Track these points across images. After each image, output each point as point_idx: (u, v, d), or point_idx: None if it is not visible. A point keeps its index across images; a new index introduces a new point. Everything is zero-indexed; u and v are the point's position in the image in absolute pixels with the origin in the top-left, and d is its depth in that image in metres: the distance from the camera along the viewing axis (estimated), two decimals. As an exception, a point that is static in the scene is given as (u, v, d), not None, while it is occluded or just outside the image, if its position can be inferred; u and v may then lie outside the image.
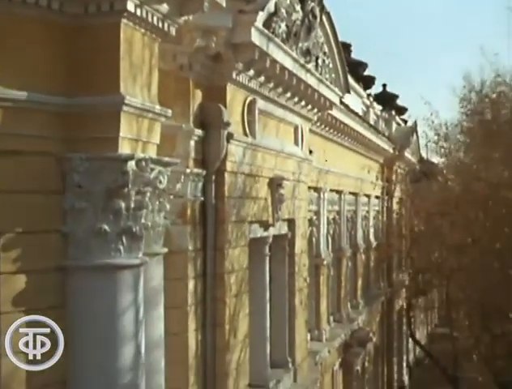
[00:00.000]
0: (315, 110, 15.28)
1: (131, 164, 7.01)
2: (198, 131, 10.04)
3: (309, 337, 17.13)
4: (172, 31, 7.93)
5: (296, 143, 14.75)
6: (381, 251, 29.18)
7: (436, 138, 26.34)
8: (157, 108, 7.59)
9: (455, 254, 23.08)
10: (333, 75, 15.48)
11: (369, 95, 30.41)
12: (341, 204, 22.65)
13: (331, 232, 21.57)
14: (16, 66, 6.52)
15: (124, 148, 7.00)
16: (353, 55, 30.81)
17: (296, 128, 14.70)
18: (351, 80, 20.00)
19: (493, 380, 24.28)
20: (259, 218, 12.21)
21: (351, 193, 24.00)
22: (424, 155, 35.82)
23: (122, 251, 7.09)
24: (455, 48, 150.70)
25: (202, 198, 10.22)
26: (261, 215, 12.28)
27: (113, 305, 7.08)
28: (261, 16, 10.48)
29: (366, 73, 33.50)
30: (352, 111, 21.29)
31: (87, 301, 6.97)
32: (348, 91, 17.27)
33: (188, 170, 9.62)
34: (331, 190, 20.75)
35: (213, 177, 10.35)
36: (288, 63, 11.96)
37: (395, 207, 32.71)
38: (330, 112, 17.17)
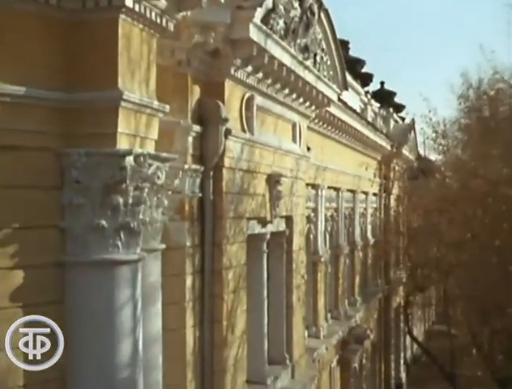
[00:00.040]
0: (313, 107, 15.28)
1: (129, 160, 7.00)
2: (196, 127, 10.03)
3: (306, 334, 17.15)
4: (171, 26, 7.92)
5: (294, 139, 14.75)
6: (378, 248, 29.20)
7: (434, 135, 26.32)
8: (155, 103, 7.59)
9: (454, 250, 23.07)
10: (331, 72, 15.47)
11: (366, 92, 30.42)
12: (339, 201, 22.65)
13: (329, 229, 21.55)
14: (14, 61, 6.51)
15: (122, 144, 7.00)
16: (351, 52, 30.88)
17: (294, 125, 14.69)
18: (349, 77, 20.01)
19: (491, 376, 24.33)
20: (257, 214, 12.21)
21: (348, 190, 24.01)
22: (421, 152, 35.87)
23: (120, 247, 7.10)
24: (454, 45, 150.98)
25: (200, 194, 10.21)
26: (259, 212, 12.28)
27: (110, 301, 7.09)
28: (259, 12, 10.47)
29: (364, 70, 33.59)
30: (350, 108, 21.27)
31: (85, 297, 6.98)
32: (346, 89, 17.25)
33: (186, 166, 9.61)
34: (329, 187, 20.75)
35: (211, 173, 10.34)
36: (286, 60, 11.95)
37: (393, 204, 32.73)
38: (328, 109, 17.17)
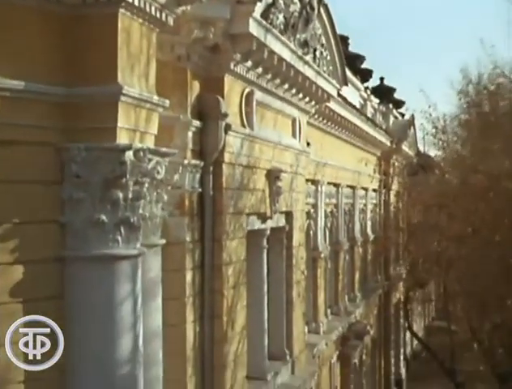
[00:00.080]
0: (313, 102, 15.27)
1: (129, 155, 6.98)
2: (196, 122, 10.02)
3: (306, 330, 17.15)
4: (170, 21, 7.90)
5: (293, 135, 14.74)
6: (378, 244, 29.20)
7: (434, 131, 26.31)
8: (155, 98, 7.56)
9: (455, 244, 23.07)
10: (330, 68, 15.46)
11: (366, 88, 30.39)
12: (339, 197, 22.65)
13: (329, 225, 21.55)
14: (14, 55, 6.48)
15: (122, 138, 6.97)
16: (351, 48, 30.82)
17: (293, 120, 14.68)
18: (348, 73, 19.98)
19: (491, 372, 24.35)
20: (257, 210, 12.21)
21: (348, 186, 24.00)
22: (421, 148, 35.86)
23: (120, 242, 7.07)
24: (454, 41, 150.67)
25: (200, 190, 10.21)
26: (258, 207, 12.27)
27: (110, 296, 7.06)
28: (259, 7, 10.45)
29: (364, 66, 33.51)
30: (350, 104, 21.26)
31: (85, 292, 6.95)
32: (346, 84, 17.25)
33: (186, 161, 9.60)
34: (329, 183, 20.75)
35: (211, 168, 10.34)
36: (286, 54, 11.94)
37: (393, 200, 32.73)
38: (327, 104, 17.17)
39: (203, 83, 10.33)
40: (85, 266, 6.96)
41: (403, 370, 36.10)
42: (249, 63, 11.01)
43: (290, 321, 14.40)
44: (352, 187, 24.85)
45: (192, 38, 9.49)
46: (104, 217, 6.90)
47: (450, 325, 29.34)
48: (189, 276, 9.98)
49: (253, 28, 10.31)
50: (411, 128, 34.93)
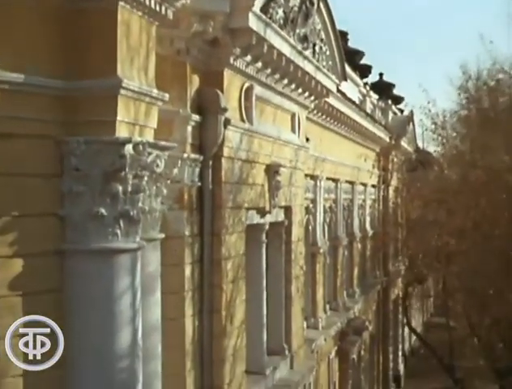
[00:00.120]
0: (312, 98, 15.26)
1: (128, 148, 6.97)
2: (196, 116, 10.01)
3: (305, 325, 17.16)
4: (170, 14, 7.89)
5: (293, 130, 14.75)
6: (377, 240, 29.21)
7: (433, 126, 26.32)
8: (154, 91, 7.55)
9: (455, 238, 23.07)
10: (330, 63, 15.45)
11: (365, 84, 30.36)
12: (337, 193, 22.65)
13: (328, 220, 21.56)
14: (13, 48, 6.45)
15: (121, 132, 6.96)
16: (350, 44, 30.80)
17: (293, 115, 14.68)
18: (347, 69, 19.98)
19: (490, 367, 24.37)
20: (256, 204, 12.21)
21: (347, 181, 24.01)
22: (420, 144, 35.89)
23: (119, 235, 7.06)
24: (454, 38, 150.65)
25: (199, 184, 10.20)
26: (257, 202, 12.27)
27: (110, 290, 7.06)
28: (258, 1, 10.44)
29: (363, 62, 33.49)
30: (349, 99, 21.25)
31: (84, 285, 6.95)
32: (345, 79, 17.25)
33: (185, 155, 9.59)
34: (328, 179, 20.74)
35: (210, 163, 10.33)
36: (286, 49, 11.93)
37: (392, 195, 32.74)
38: (326, 100, 17.17)
39: (203, 77, 10.32)
40: (84, 259, 6.95)
41: (401, 366, 36.14)
42: (249, 58, 11.00)
43: (289, 316, 14.42)
44: (351, 183, 24.85)
45: (191, 32, 9.48)
46: (103, 210, 6.89)
47: (448, 321, 29.37)
48: (188, 270, 9.98)
49: (253, 23, 10.29)
50: (410, 124, 34.94)
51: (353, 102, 22.49)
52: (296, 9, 12.45)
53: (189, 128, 9.90)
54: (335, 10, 14.65)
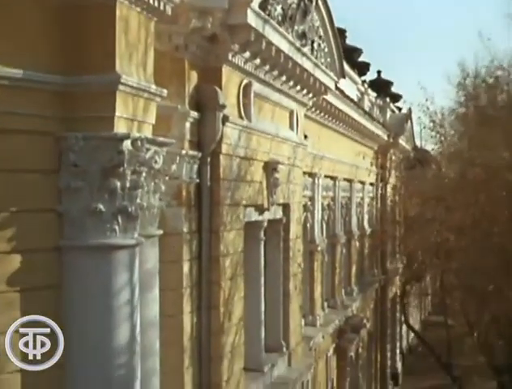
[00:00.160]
0: (310, 95, 15.24)
1: (127, 144, 6.95)
2: (194, 113, 9.99)
3: (303, 322, 17.15)
4: (168, 10, 7.88)
5: (291, 127, 14.73)
6: (375, 238, 29.21)
7: (431, 124, 26.32)
8: (153, 87, 7.53)
9: (455, 235, 23.07)
10: (328, 60, 15.43)
11: (363, 81, 30.38)
12: (336, 190, 22.63)
13: (326, 218, 21.56)
14: (12, 44, 6.44)
15: (120, 128, 6.95)
16: (348, 41, 30.78)
17: (291, 113, 14.67)
18: (346, 66, 19.94)
19: (488, 365, 24.40)
20: (254, 202, 12.20)
21: (345, 179, 23.99)
22: (418, 143, 35.92)
23: (118, 231, 7.05)
24: (452, 36, 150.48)
25: (198, 180, 10.18)
26: (256, 199, 12.26)
27: (108, 286, 7.05)
28: (257, -2, 10.43)
29: (361, 59, 33.49)
30: (347, 97, 21.24)
31: (82, 281, 6.94)
32: (344, 76, 17.23)
33: (183, 152, 9.58)
34: (326, 176, 20.73)
35: (208, 159, 10.31)
36: (284, 46, 11.91)
37: (390, 193, 32.75)
38: (325, 97, 17.14)
39: (201, 74, 10.30)
40: (82, 255, 6.94)
41: (399, 364, 36.19)
42: (247, 54, 10.98)
43: (287, 313, 14.40)
44: (349, 180, 24.84)
45: (190, 28, 9.44)
46: (101, 206, 6.87)
47: (446, 319, 29.40)
48: (186, 267, 9.96)
49: (252, 19, 10.27)
50: (409, 122, 34.96)
51: (351, 100, 22.48)
52: (294, 6, 12.44)
53: (188, 124, 9.88)
54: (333, 8, 14.68)
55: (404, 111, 36.38)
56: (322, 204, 20.68)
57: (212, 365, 10.54)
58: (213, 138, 10.30)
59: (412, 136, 36.46)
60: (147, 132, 7.56)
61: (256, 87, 11.98)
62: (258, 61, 11.47)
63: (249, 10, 10.10)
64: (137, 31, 7.27)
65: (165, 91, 7.86)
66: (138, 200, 7.28)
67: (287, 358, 14.36)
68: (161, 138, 7.86)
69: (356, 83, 27.39)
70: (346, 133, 23.27)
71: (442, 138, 26.77)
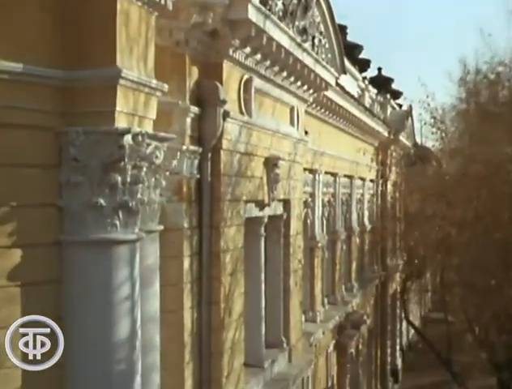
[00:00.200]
0: (311, 91, 15.23)
1: (127, 139, 6.93)
2: (195, 108, 9.98)
3: (303, 318, 17.15)
4: (169, 5, 7.86)
5: (291, 123, 14.72)
6: (375, 234, 29.20)
7: (432, 121, 26.29)
8: (153, 82, 7.51)
9: (457, 229, 23.06)
10: (329, 56, 15.43)
11: (364, 78, 30.35)
12: (336, 187, 22.63)
13: (326, 214, 21.55)
14: (12, 38, 6.42)
15: (120, 122, 6.92)
16: (349, 38, 30.76)
17: (292, 109, 14.66)
18: (347, 63, 19.93)
19: (489, 361, 24.40)
20: (255, 197, 12.19)
21: (346, 176, 23.99)
22: (418, 140, 35.93)
23: (118, 226, 7.03)
24: (454, 33, 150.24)
25: (198, 176, 10.17)
26: (256, 195, 12.25)
27: (108, 280, 7.02)
28: (258, -7, 10.41)
29: (362, 56, 33.48)
30: (348, 93, 21.23)
31: (82, 276, 6.91)
32: (344, 72, 17.22)
33: (184, 147, 9.56)
34: (326, 173, 20.72)
35: (209, 155, 10.29)
36: (285, 41, 11.89)
37: (390, 190, 32.74)
38: (325, 93, 17.14)
39: (202, 69, 10.28)
40: (83, 250, 6.91)
41: (399, 360, 36.20)
42: (248, 49, 10.97)
43: (287, 309, 14.40)
44: (350, 177, 24.84)
45: (191, 23, 9.43)
46: (102, 201, 6.85)
47: (446, 315, 29.39)
48: (186, 263, 9.95)
49: (252, 14, 10.25)
50: (409, 119, 34.94)
51: (352, 96, 22.47)
52: (295, 1, 12.43)
53: (189, 120, 9.87)
54: (334, 4, 14.66)
55: (405, 108, 36.38)
56: (323, 200, 20.67)
57: (212, 360, 10.53)
58: (214, 134, 10.28)
59: (413, 133, 36.46)
60: (148, 127, 7.54)
61: (257, 82, 11.96)
62: (258, 56, 11.46)
63: (249, 6, 10.08)
64: (138, 25, 7.24)
65: (166, 86, 7.83)
66: (139, 195, 7.26)
67: (287, 354, 14.36)
68: (162, 134, 7.84)
69: (356, 79, 27.37)
70: (346, 129, 23.27)
71: (443, 135, 26.75)
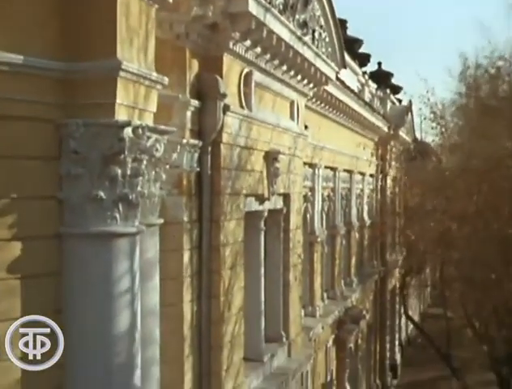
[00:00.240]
0: (311, 85, 15.20)
1: (128, 131, 6.91)
2: (195, 102, 9.96)
3: (303, 313, 17.15)
4: (170, -3, 7.84)
5: (291, 117, 14.70)
6: (375, 229, 29.19)
7: (432, 116, 26.25)
8: (154, 75, 7.48)
9: (457, 223, 23.04)
10: (329, 50, 15.39)
11: (364, 72, 30.30)
12: (336, 181, 22.61)
13: (326, 209, 21.53)
14: (12, 29, 6.40)
15: (120, 115, 6.90)
16: (349, 32, 30.72)
17: (292, 103, 14.63)
18: (346, 57, 19.89)
19: (489, 356, 24.41)
20: (254, 191, 12.17)
21: (345, 170, 23.97)
22: (418, 135, 35.90)
23: (118, 219, 7.02)
24: (453, 28, 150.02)
25: (198, 170, 10.15)
26: (256, 189, 12.24)
27: (108, 273, 7.02)
28: (258, -14, 10.38)
29: (362, 50, 33.43)
30: (348, 88, 21.20)
31: (82, 269, 6.91)
32: (344, 67, 17.19)
33: (184, 141, 9.55)
34: (326, 167, 20.70)
35: (209, 149, 10.28)
36: (285, 35, 11.86)
37: (390, 185, 32.72)
38: (325, 88, 17.12)
39: (202, 62, 10.26)
40: (83, 242, 6.91)
41: (398, 355, 36.23)
42: (248, 42, 10.94)
43: (287, 304, 14.39)
44: (349, 172, 24.83)
45: (191, 16, 9.41)
46: (102, 193, 6.84)
47: (445, 311, 29.40)
48: (186, 256, 9.94)
49: (253, 7, 10.23)
50: (409, 114, 34.91)
51: (352, 91, 22.44)
52: (295, -5, 12.39)
53: (189, 113, 9.85)
54: (334, 4, 14.61)
55: (405, 103, 36.36)
56: (322, 195, 20.66)
57: (212, 354, 10.54)
58: (214, 128, 10.27)
59: (413, 128, 36.44)
60: (148, 120, 7.52)
61: (257, 76, 11.94)
62: (258, 49, 11.42)
63: (250, -2, 10.06)
64: (138, 17, 7.21)
65: (166, 79, 7.81)
66: (139, 188, 7.25)
67: (286, 348, 14.36)
68: (162, 127, 7.83)
69: (356, 74, 27.34)
70: (346, 124, 23.25)
71: (443, 130, 26.70)
